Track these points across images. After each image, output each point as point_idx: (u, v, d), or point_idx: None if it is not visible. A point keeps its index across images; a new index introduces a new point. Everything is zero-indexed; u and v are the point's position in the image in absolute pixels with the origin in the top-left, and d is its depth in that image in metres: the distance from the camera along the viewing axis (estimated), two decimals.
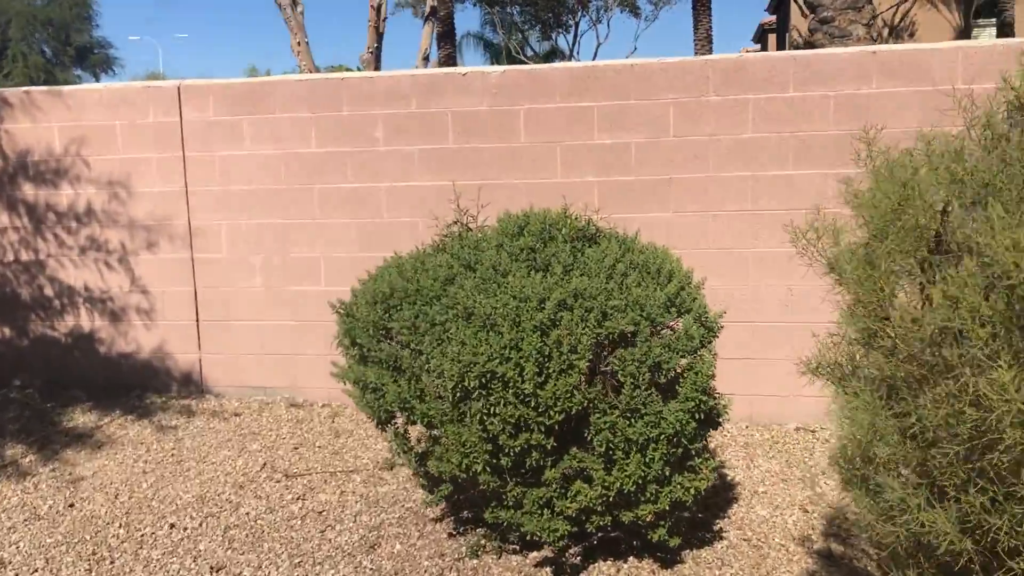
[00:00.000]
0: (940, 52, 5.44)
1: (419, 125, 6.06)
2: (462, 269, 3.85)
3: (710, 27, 19.11)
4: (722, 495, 4.85)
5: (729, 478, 5.10)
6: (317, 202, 6.25)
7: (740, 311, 5.80)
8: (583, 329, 3.52)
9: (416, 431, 4.39)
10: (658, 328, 3.75)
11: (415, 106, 6.06)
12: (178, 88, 6.36)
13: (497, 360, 3.45)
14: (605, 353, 3.67)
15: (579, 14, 23.73)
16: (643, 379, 3.57)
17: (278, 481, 5.15)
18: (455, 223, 4.30)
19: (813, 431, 5.74)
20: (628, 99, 5.80)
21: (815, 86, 5.60)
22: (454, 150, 6.03)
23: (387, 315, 3.83)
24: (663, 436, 3.59)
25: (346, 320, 4.01)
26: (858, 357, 2.43)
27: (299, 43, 10.28)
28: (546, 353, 3.47)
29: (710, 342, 3.82)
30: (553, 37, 25.08)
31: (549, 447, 3.57)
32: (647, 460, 3.62)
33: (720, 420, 3.97)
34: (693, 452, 3.79)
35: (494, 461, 3.63)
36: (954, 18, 21.53)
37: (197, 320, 6.55)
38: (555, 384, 3.46)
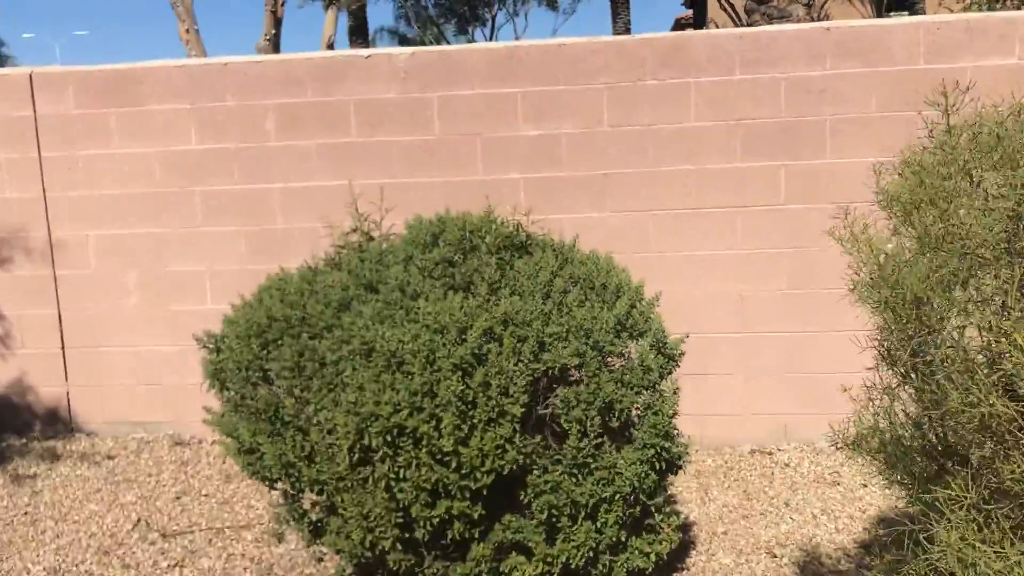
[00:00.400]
0: (900, 28, 4.81)
1: (317, 116, 5.19)
2: (361, 291, 3.02)
3: (629, 21, 18.54)
4: None
5: (684, 516, 4.37)
6: (199, 207, 5.31)
7: (686, 321, 5.07)
8: (516, 365, 2.73)
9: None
10: (607, 358, 2.98)
11: (311, 94, 5.18)
12: (30, 76, 5.35)
13: (406, 411, 2.63)
14: (543, 393, 2.89)
15: (496, 7, 22.90)
16: (592, 425, 2.80)
17: (153, 543, 4.23)
18: (354, 231, 3.47)
19: (770, 453, 5.07)
20: (556, 84, 5.03)
21: (764, 68, 4.91)
22: (358, 144, 5.17)
23: (264, 352, 2.97)
24: (618, 495, 2.83)
25: (214, 358, 3.14)
26: (908, 432, 1.68)
27: (188, 31, 9.21)
28: (470, 399, 2.66)
29: (670, 372, 3.08)
30: (470, 31, 24.21)
31: (476, 516, 2.77)
32: (598, 526, 2.85)
33: (681, 463, 3.22)
34: (652, 508, 3.04)
35: (406, 535, 2.82)
36: (866, 11, 21.43)
37: (63, 347, 5.55)
38: (482, 439, 2.65)
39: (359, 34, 15.60)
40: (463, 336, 2.73)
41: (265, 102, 5.21)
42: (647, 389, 2.93)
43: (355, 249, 3.35)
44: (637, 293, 3.23)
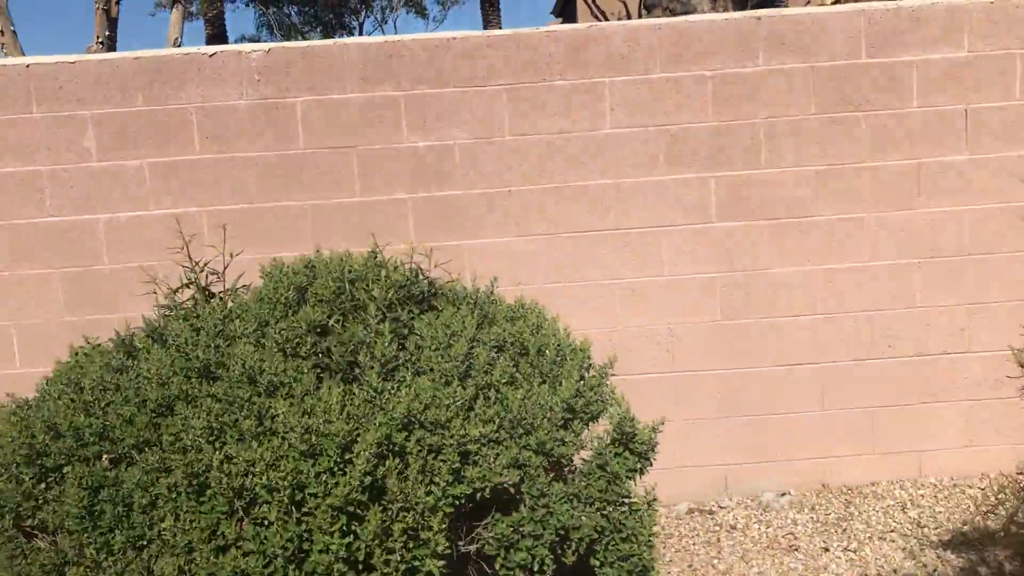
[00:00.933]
0: (840, 18, 4.08)
1: (150, 129, 4.06)
2: (191, 382, 1.99)
3: (500, 28, 17.79)
4: None
5: None
6: (2, 246, 4.10)
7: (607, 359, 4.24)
8: (429, 493, 1.77)
9: None
10: (555, 461, 2.06)
11: (143, 102, 4.05)
12: None
13: None
14: (469, 519, 1.95)
15: (363, 15, 21.64)
16: (544, 569, 1.88)
17: None
18: (186, 285, 2.43)
19: (711, 512, 4.25)
20: (446, 86, 4.08)
21: (688, 64, 4.11)
22: (204, 162, 4.08)
23: (42, 486, 1.91)
24: None
25: None
26: None
27: (2, 31, 7.71)
28: (361, 558, 1.69)
29: (642, 473, 2.18)
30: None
31: None
32: None
33: None
34: None
35: None
36: (729, 9, 21.31)
37: None
38: None
39: (217, 42, 14.20)
40: (347, 456, 1.75)
41: (83, 112, 4.04)
42: (613, 504, 2.03)
43: (186, 313, 2.31)
44: (583, 356, 2.32)
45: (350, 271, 2.36)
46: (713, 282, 4.19)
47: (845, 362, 4.26)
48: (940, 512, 4.04)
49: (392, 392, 1.91)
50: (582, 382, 2.21)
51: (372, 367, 1.97)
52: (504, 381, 2.09)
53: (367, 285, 2.30)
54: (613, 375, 2.35)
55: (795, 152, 4.12)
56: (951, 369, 4.25)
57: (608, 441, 2.09)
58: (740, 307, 4.22)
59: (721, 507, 4.26)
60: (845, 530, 3.97)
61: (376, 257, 2.45)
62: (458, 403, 1.90)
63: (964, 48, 4.07)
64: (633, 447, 2.10)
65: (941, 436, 4.30)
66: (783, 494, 4.31)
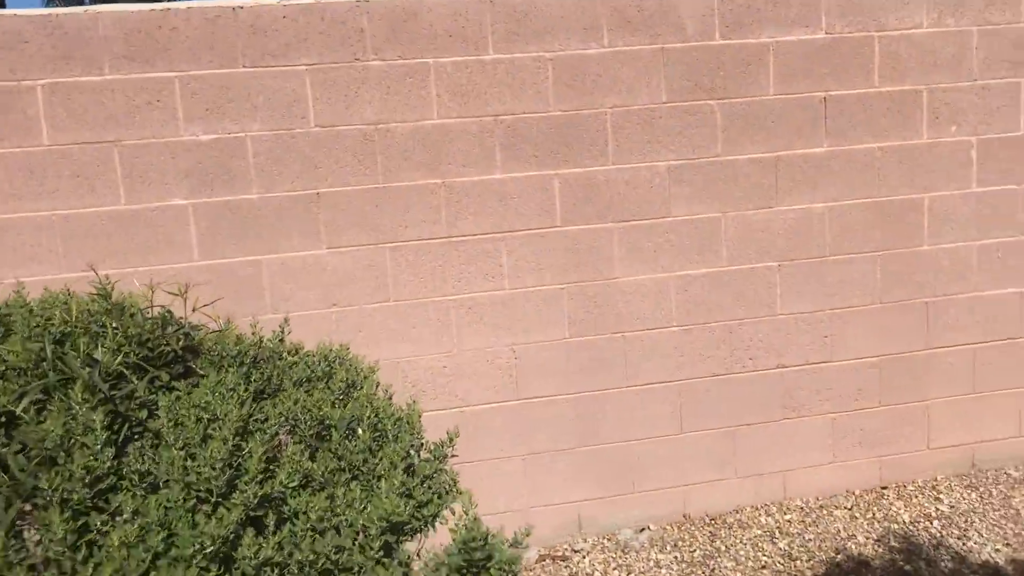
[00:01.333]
0: None
1: None
2: None
3: None
4: None
5: None
6: None
7: (442, 391, 3.56)
8: None
9: None
10: None
11: None
12: None
13: None
14: None
15: None
16: None
17: None
18: None
19: (564, 558, 3.66)
20: (235, 65, 3.26)
21: (525, 43, 3.48)
22: None
23: None
24: None
25: None
26: None
27: None
28: None
29: None
30: None
31: None
32: None
33: None
34: None
35: None
36: None
37: None
38: None
39: None
40: None
41: None
42: None
43: None
44: (412, 432, 1.63)
45: (63, 322, 1.56)
46: (559, 294, 3.60)
47: (704, 379, 3.77)
48: (811, 540, 3.63)
49: (100, 534, 1.15)
50: (411, 475, 1.52)
51: (71, 492, 1.20)
52: (296, 488, 1.36)
53: (85, 344, 1.51)
54: (454, 455, 1.67)
55: (645, 145, 3.57)
56: (813, 380, 3.86)
57: (452, 568, 1.41)
58: (590, 322, 3.64)
59: (576, 551, 3.67)
60: (713, 570, 3.47)
61: (108, 294, 1.66)
62: (209, 547, 1.16)
63: (822, 29, 3.66)
64: (493, 571, 1.43)
65: (805, 453, 3.90)
66: (642, 530, 3.78)
